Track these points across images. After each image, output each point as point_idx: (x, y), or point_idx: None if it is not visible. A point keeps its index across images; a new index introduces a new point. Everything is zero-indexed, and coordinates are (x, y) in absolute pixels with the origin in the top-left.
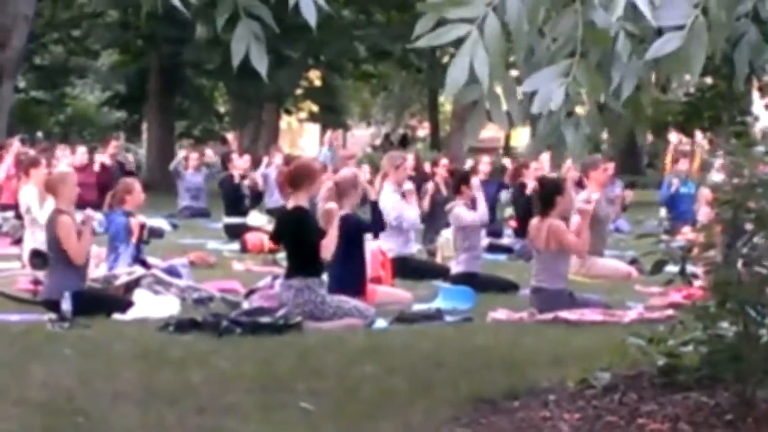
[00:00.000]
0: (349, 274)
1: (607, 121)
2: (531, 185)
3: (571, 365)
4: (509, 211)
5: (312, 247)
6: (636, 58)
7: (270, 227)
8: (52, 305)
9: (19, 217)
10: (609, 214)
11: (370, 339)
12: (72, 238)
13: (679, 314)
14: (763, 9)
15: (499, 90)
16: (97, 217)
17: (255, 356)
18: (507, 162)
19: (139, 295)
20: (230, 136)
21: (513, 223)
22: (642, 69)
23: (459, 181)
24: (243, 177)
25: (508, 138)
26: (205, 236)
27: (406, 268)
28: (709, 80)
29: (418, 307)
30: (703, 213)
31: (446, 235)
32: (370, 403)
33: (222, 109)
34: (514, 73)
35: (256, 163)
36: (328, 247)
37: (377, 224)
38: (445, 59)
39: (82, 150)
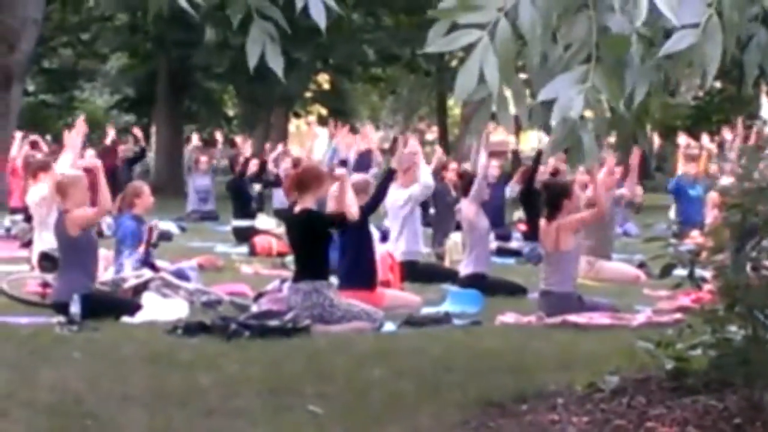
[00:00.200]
0: (358, 272)
1: (615, 124)
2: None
3: (580, 369)
4: (518, 215)
5: (320, 250)
6: (647, 61)
7: (278, 230)
8: (61, 308)
9: (27, 220)
10: (615, 216)
11: (378, 342)
12: (86, 210)
13: (688, 318)
14: None
15: (507, 93)
16: (107, 220)
17: (263, 359)
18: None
19: (147, 298)
20: (239, 139)
21: (522, 227)
22: (653, 73)
23: (468, 183)
24: (252, 179)
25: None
26: (213, 239)
27: (414, 272)
28: (717, 84)
29: (426, 311)
30: (712, 216)
31: (455, 238)
32: (378, 407)
33: (231, 113)
34: (522, 75)
35: (263, 168)
36: (350, 206)
37: (385, 186)
38: (454, 63)
39: (90, 153)
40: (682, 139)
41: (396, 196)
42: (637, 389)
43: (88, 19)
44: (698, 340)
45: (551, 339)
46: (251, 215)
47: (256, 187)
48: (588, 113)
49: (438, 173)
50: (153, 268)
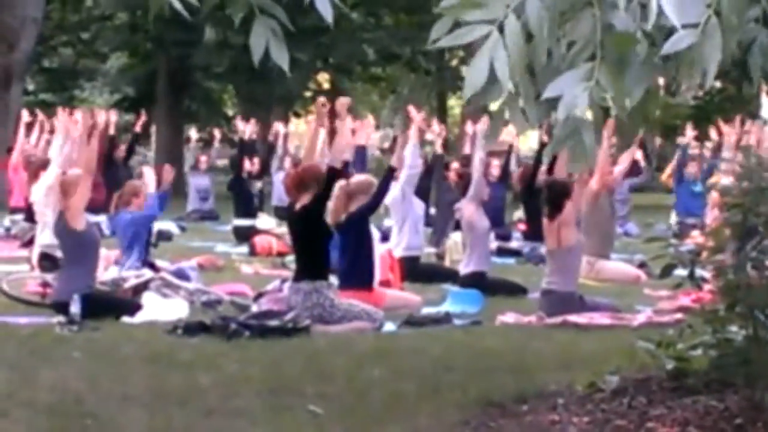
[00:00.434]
0: (358, 271)
1: (620, 123)
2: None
3: (580, 369)
4: (518, 214)
5: (320, 249)
6: (649, 60)
7: (279, 230)
8: (61, 308)
9: (27, 219)
10: (615, 215)
11: (378, 342)
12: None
13: (688, 318)
14: None
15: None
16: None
17: (263, 359)
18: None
19: (147, 298)
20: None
21: (522, 227)
22: (651, 72)
23: (467, 184)
24: (252, 178)
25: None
26: (213, 239)
27: (415, 272)
28: (717, 84)
29: (426, 311)
30: (713, 216)
31: (455, 238)
32: (378, 407)
33: (231, 112)
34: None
35: (265, 167)
36: (341, 142)
37: (386, 184)
38: (454, 62)
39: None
40: (689, 132)
41: (393, 189)
42: (638, 389)
43: (88, 19)
44: (699, 340)
45: (552, 339)
46: (252, 214)
47: (257, 185)
48: (588, 114)
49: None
50: (153, 268)
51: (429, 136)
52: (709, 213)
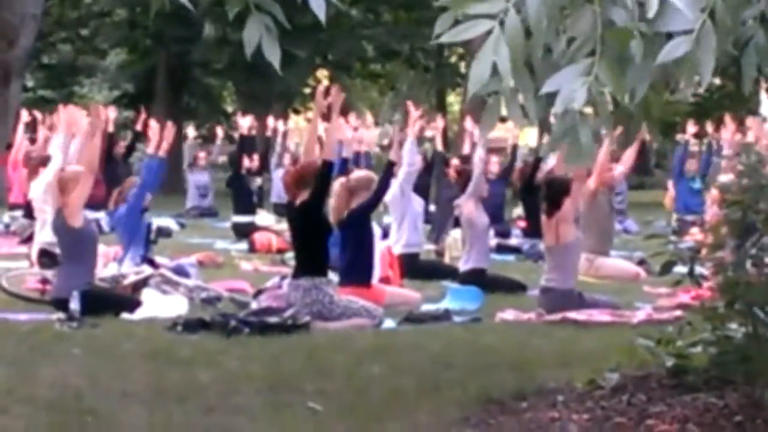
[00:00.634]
0: (358, 268)
1: (618, 121)
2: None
3: (580, 366)
4: (518, 211)
5: (320, 245)
6: (648, 59)
7: (278, 227)
8: (61, 304)
9: (27, 216)
10: (613, 212)
11: (378, 339)
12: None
13: (688, 315)
14: None
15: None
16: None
17: (263, 356)
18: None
19: (147, 295)
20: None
21: (521, 224)
22: (653, 70)
23: (466, 180)
24: (252, 174)
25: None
26: (212, 236)
27: (414, 269)
28: (717, 81)
29: (426, 308)
30: (712, 213)
31: (454, 234)
32: (378, 404)
33: (230, 109)
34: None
35: (264, 164)
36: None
37: (386, 180)
38: (453, 59)
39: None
40: (690, 128)
41: (392, 186)
42: (638, 386)
43: (87, 15)
44: (698, 337)
45: (551, 336)
46: (252, 211)
47: (257, 181)
48: (588, 110)
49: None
50: (152, 264)
51: (429, 133)
52: (708, 210)
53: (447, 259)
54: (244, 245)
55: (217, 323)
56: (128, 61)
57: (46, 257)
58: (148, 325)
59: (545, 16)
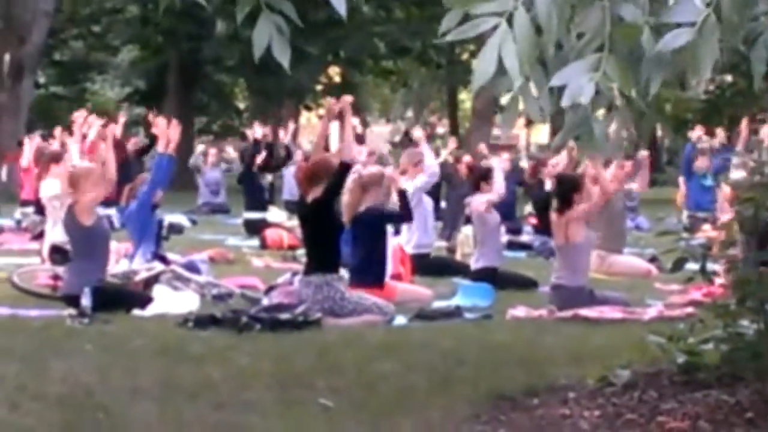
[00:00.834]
0: (370, 268)
1: (636, 117)
2: (549, 182)
3: (591, 363)
4: (528, 209)
5: (331, 242)
6: (662, 53)
7: (289, 223)
8: (72, 301)
9: (38, 212)
10: (625, 209)
11: (389, 336)
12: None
13: (699, 312)
14: None
15: (529, 82)
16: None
17: (274, 352)
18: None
19: (158, 291)
20: (250, 132)
21: (533, 220)
22: (667, 66)
23: (479, 178)
24: (263, 171)
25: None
26: (224, 232)
27: (425, 265)
28: (729, 78)
29: (437, 304)
30: (724, 211)
31: (466, 231)
32: (389, 400)
33: (241, 105)
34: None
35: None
36: (348, 138)
37: (405, 213)
38: (465, 56)
39: (102, 146)
40: (696, 132)
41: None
42: (649, 383)
43: (99, 12)
44: (710, 334)
45: (562, 333)
46: (263, 207)
47: (268, 178)
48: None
49: (448, 165)
50: (164, 260)
51: (440, 130)
52: (720, 207)
53: (459, 256)
54: (255, 242)
55: (228, 319)
56: (140, 58)
57: (58, 253)
58: (159, 322)
59: (555, 13)
